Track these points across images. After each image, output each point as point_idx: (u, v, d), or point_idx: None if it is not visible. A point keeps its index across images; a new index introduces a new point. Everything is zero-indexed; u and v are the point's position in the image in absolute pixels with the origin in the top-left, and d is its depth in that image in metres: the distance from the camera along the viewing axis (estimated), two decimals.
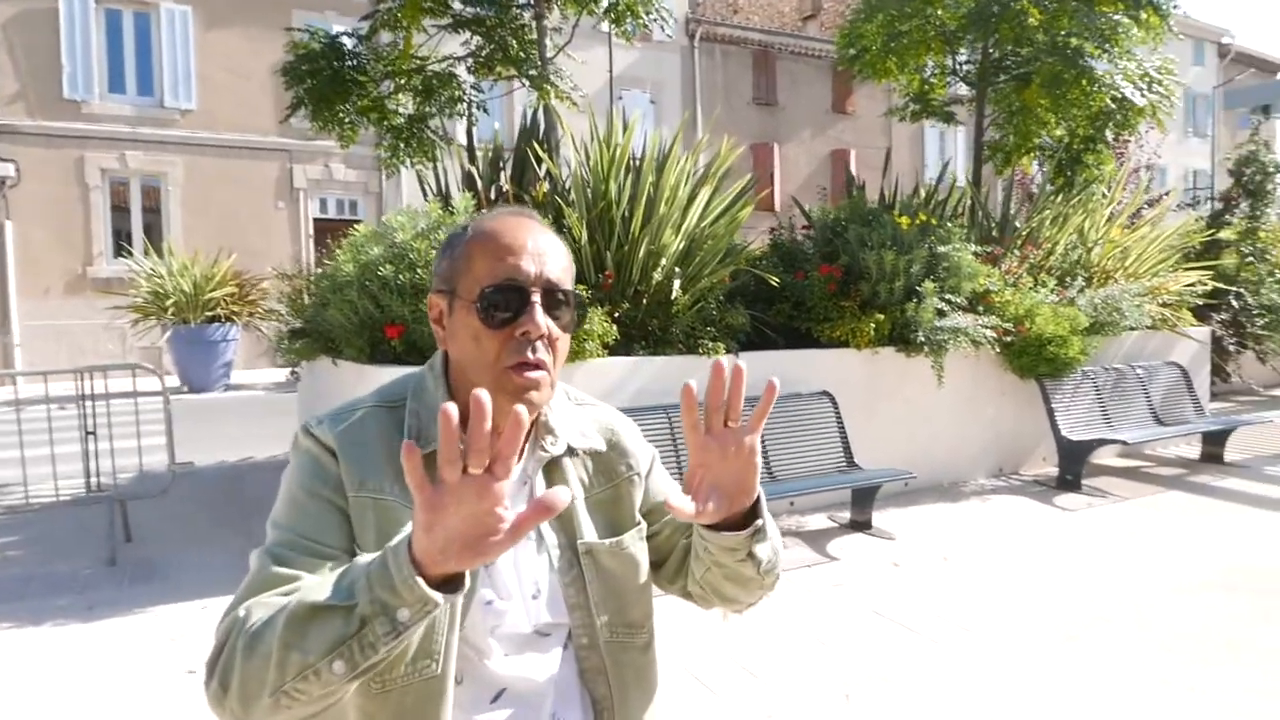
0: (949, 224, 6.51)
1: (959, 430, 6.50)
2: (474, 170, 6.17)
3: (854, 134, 24.36)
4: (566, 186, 6.11)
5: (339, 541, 1.00)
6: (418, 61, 6.91)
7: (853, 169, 25.19)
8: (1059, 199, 7.73)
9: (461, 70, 7.15)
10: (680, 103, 21.26)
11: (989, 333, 6.05)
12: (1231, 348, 10.59)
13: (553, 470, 1.14)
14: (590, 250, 5.64)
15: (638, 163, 5.92)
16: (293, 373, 7.03)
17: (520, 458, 1.12)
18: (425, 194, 6.47)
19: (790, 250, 6.70)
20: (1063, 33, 7.40)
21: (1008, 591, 4.18)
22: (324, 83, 6.53)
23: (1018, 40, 7.68)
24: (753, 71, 22.68)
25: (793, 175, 22.38)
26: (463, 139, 7.00)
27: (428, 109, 7.05)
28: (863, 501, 5.32)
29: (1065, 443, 6.39)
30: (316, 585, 0.88)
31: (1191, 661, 3.40)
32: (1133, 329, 7.15)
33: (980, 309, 6.35)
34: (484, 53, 6.95)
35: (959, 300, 6.19)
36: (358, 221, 16.70)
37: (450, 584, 0.81)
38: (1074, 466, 6.36)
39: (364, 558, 0.87)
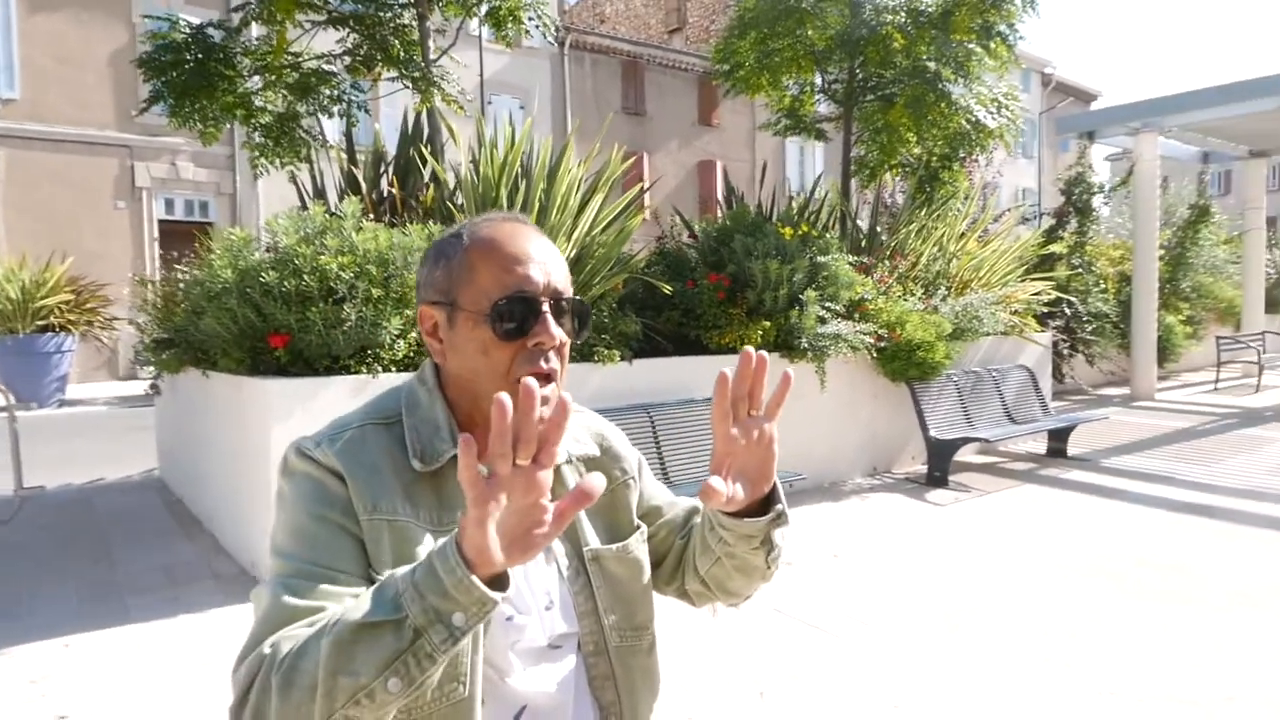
0: (827, 235, 6.82)
1: (838, 432, 6.81)
2: (356, 173, 5.94)
3: (720, 146, 25.07)
4: (454, 192, 5.98)
5: (354, 568, 0.95)
6: (291, 58, 6.59)
7: (718, 180, 25.83)
8: (922, 213, 8.24)
9: (338, 69, 6.87)
10: (550, 110, 21.25)
11: (866, 339, 6.38)
12: (1065, 351, 11.62)
13: (555, 480, 1.12)
14: None
15: (527, 169, 5.87)
16: (152, 386, 6.51)
17: None
18: (302, 196, 6.18)
19: (677, 259, 6.82)
20: (924, 57, 7.91)
21: (895, 585, 4.41)
22: (187, 76, 6.12)
23: (883, 63, 8.15)
24: (621, 81, 22.95)
25: (661, 185, 22.76)
26: (335, 139, 6.73)
27: (302, 107, 6.73)
28: None
29: (933, 442, 6.81)
30: (352, 607, 0.83)
31: (1065, 640, 3.70)
32: (988, 335, 7.72)
33: (856, 316, 6.68)
34: (362, 51, 6.71)
35: (838, 308, 6.49)
36: (208, 224, 15.74)
37: (497, 584, 0.80)
38: (941, 464, 6.79)
39: (400, 570, 0.84)
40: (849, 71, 8.71)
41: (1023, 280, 8.75)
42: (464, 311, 1.01)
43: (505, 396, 0.73)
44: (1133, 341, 11.77)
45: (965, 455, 7.60)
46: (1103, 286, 12.26)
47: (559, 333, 1.02)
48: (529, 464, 0.74)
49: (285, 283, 4.43)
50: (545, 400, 0.98)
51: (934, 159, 8.88)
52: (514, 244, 1.03)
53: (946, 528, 5.55)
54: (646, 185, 6.52)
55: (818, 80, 9.36)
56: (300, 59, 6.60)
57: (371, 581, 0.94)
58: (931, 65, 7.91)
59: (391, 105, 11.39)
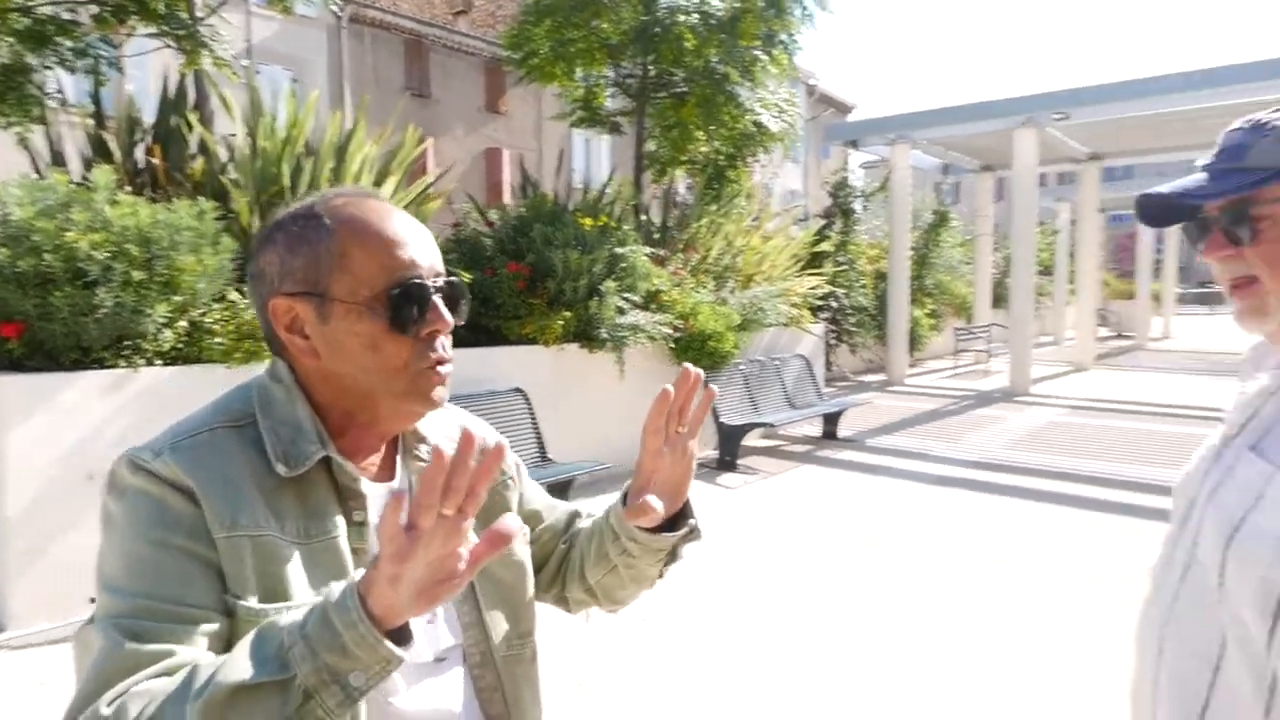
0: (625, 227, 6.92)
1: (637, 419, 6.83)
2: (107, 138, 5.22)
3: (507, 134, 24.74)
4: (226, 166, 5.43)
5: (206, 599, 0.81)
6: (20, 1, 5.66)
7: (505, 168, 25.41)
8: (712, 209, 8.59)
9: (84, 19, 6.01)
10: (327, 85, 19.93)
11: (664, 329, 6.55)
12: (832, 341, 12.63)
13: None
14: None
15: (313, 146, 5.46)
16: None
17: (394, 469, 1.01)
18: (35, 163, 5.34)
19: (474, 247, 6.64)
20: (713, 59, 8.23)
21: (703, 567, 4.57)
22: None
23: (675, 61, 8.38)
24: (405, 61, 21.99)
25: (447, 168, 22.12)
26: (76, 100, 5.88)
27: (34, 59, 5.81)
28: (558, 494, 5.44)
29: (724, 428, 7.13)
30: (225, 662, 0.71)
31: (863, 605, 4.01)
32: (771, 325, 8.20)
33: (653, 307, 6.84)
34: (111, 1, 5.91)
35: (636, 299, 6.61)
36: None
37: (399, 636, 0.73)
38: (731, 449, 7.13)
39: (283, 619, 0.73)
40: (643, 67, 8.88)
41: (800, 275, 9.38)
42: (341, 303, 0.89)
43: (443, 450, 0.68)
44: (888, 332, 13.00)
45: (750, 439, 8.03)
46: (863, 283, 13.44)
47: (450, 316, 0.93)
48: (453, 514, 0.68)
49: (19, 262, 3.81)
50: (444, 382, 0.94)
51: (721, 158, 9.28)
52: (389, 225, 0.92)
53: (739, 509, 5.83)
54: (442, 170, 6.25)
55: (611, 74, 9.46)
56: (32, 3, 5.69)
57: (227, 611, 0.81)
58: (721, 67, 8.24)
59: (139, 66, 10.15)
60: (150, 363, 4.15)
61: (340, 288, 0.89)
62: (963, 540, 5.08)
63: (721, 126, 8.45)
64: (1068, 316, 21.74)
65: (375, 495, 0.95)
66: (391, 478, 1.00)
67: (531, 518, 1.18)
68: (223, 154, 5.58)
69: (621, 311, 6.38)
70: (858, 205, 13.95)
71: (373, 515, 0.93)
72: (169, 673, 0.74)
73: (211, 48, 5.67)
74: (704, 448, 7.69)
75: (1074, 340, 16.41)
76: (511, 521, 0.72)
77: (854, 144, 13.37)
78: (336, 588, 0.72)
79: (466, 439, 0.67)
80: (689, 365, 0.98)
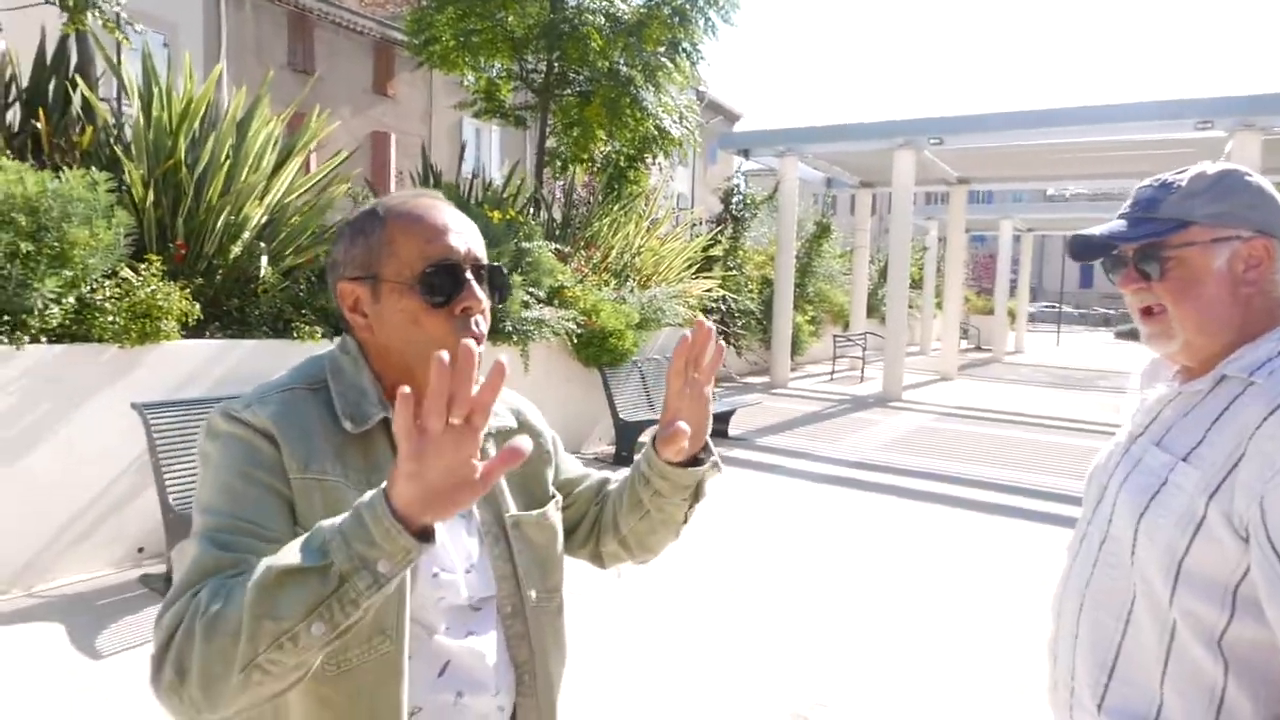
0: (531, 222, 6.96)
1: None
2: None
3: (395, 118, 24.08)
4: (117, 134, 5.15)
5: (280, 526, 0.95)
6: None
7: (392, 153, 24.71)
8: (614, 208, 8.73)
9: None
10: (203, 52, 18.85)
11: (569, 325, 6.63)
12: (720, 343, 13.00)
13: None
14: (155, 215, 4.86)
15: (213, 119, 5.24)
16: None
17: None
18: None
19: None
20: (619, 62, 8.37)
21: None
22: None
23: (581, 60, 8.47)
24: (288, 34, 21.06)
25: (331, 151, 21.34)
26: None
27: None
28: None
29: (621, 424, 7.28)
30: (279, 555, 0.83)
31: (764, 590, 4.23)
32: (669, 325, 8.41)
33: (556, 303, 6.91)
34: None
35: (540, 294, 6.67)
36: None
37: (424, 537, 0.82)
38: (628, 444, 7.29)
39: (328, 521, 0.84)
40: (548, 63, 8.91)
41: (695, 278, 9.65)
42: (388, 284, 1.03)
43: (444, 354, 0.75)
44: (773, 337, 13.51)
45: (646, 436, 8.22)
46: (750, 288, 13.92)
47: (484, 296, 1.06)
48: (461, 423, 0.76)
49: None
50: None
51: (622, 159, 9.43)
52: (432, 216, 1.06)
53: None
54: (347, 153, 6.11)
55: (516, 67, 9.44)
56: None
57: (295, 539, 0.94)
58: (626, 70, 8.39)
59: (19, 24, 9.33)
60: (35, 339, 3.91)
61: (388, 270, 1.03)
62: (847, 533, 5.42)
63: (624, 128, 8.60)
64: (934, 329, 23.16)
65: None
66: None
67: (566, 485, 1.31)
68: (111, 121, 5.28)
69: (527, 306, 6.43)
70: (749, 213, 14.43)
71: None
72: (243, 573, 0.86)
73: (100, 6, 5.34)
74: (600, 443, 7.83)
75: (939, 351, 17.51)
76: (524, 442, 0.78)
77: (745, 153, 13.82)
78: (370, 492, 0.82)
79: (464, 351, 0.74)
80: (702, 317, 1.14)
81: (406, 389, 0.75)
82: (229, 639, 0.79)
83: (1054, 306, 44.56)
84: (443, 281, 1.02)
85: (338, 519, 0.83)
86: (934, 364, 17.41)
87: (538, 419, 1.30)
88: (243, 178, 5.18)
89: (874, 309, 19.56)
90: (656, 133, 8.79)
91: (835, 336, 15.63)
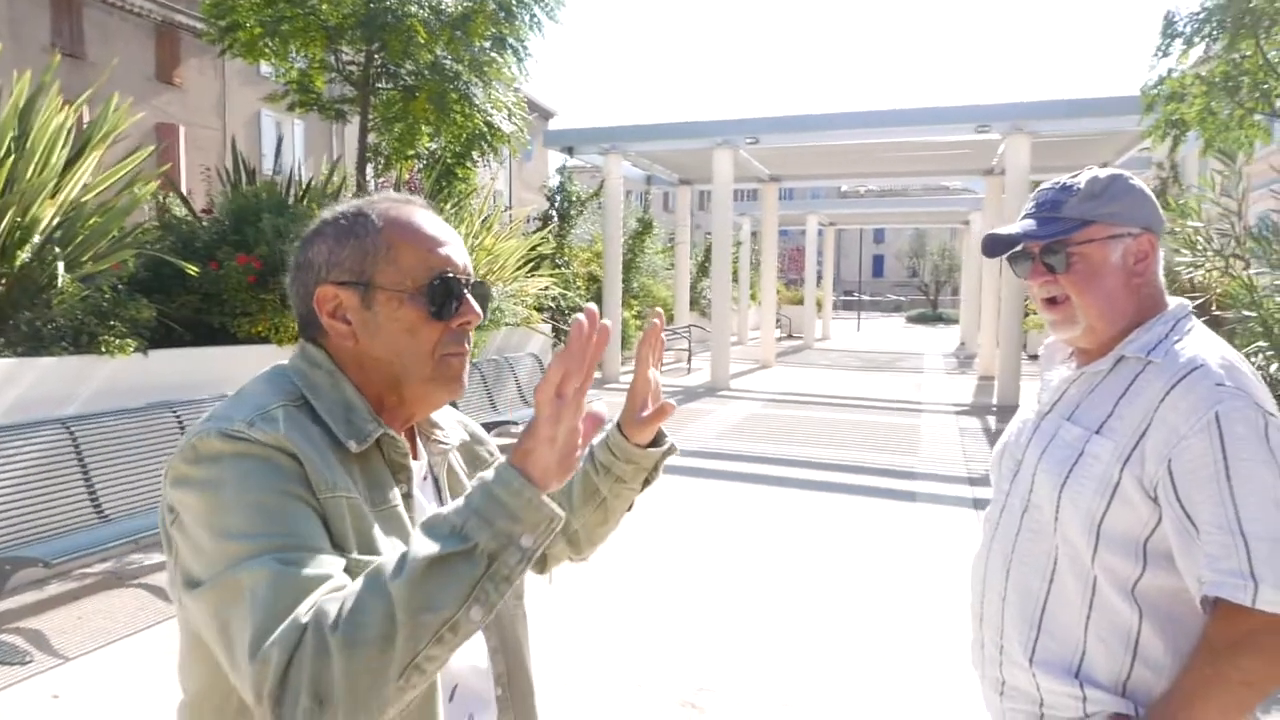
0: None
1: None
2: None
3: (183, 109, 22.12)
4: None
5: (327, 544, 0.86)
6: None
7: (182, 147, 22.76)
8: (446, 206, 8.47)
9: None
10: None
11: None
12: (554, 341, 12.99)
13: (447, 464, 1.13)
14: None
15: None
16: None
17: (416, 455, 1.07)
18: None
19: (188, 236, 5.98)
20: (443, 55, 8.12)
21: None
22: None
23: (404, 53, 8.13)
24: (51, 12, 18.81)
25: (116, 145, 19.29)
26: None
27: None
28: None
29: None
30: (406, 551, 0.78)
31: (624, 572, 4.28)
32: (507, 324, 8.29)
33: None
34: None
35: None
36: None
37: None
38: None
39: (443, 510, 0.81)
40: (367, 54, 8.49)
41: (528, 276, 9.57)
42: (385, 292, 0.98)
43: (592, 308, 0.78)
44: None
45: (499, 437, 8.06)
46: (578, 285, 13.99)
47: (481, 311, 1.04)
48: (580, 388, 0.79)
49: None
50: (464, 380, 1.05)
51: (450, 155, 9.18)
52: (431, 226, 1.03)
53: None
54: (139, 146, 5.56)
55: (331, 58, 8.93)
56: None
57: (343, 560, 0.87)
58: (451, 64, 8.16)
59: None
60: None
61: (385, 278, 0.98)
62: (699, 521, 5.59)
63: (452, 124, 8.36)
64: (750, 319, 24.27)
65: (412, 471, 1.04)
66: (417, 459, 1.07)
67: None
68: None
69: None
70: (572, 210, 14.49)
71: (415, 489, 1.02)
72: (338, 589, 0.79)
73: None
74: None
75: (758, 341, 18.39)
76: (600, 406, 0.82)
77: (570, 150, 13.86)
78: (489, 471, 0.80)
79: (590, 315, 0.77)
80: (659, 310, 1.22)
81: (568, 354, 0.77)
82: (375, 648, 0.74)
83: (852, 295, 48.02)
84: (444, 294, 0.99)
85: (457, 502, 0.80)
86: (753, 353, 18.27)
87: (480, 429, 1.28)
88: (28, 175, 4.59)
89: (694, 302, 20.22)
90: (486, 129, 8.61)
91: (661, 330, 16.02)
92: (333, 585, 0.80)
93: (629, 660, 3.52)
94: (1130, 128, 10.73)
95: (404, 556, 0.77)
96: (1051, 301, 1.37)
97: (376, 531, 0.91)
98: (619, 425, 1.22)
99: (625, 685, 3.30)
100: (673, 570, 4.62)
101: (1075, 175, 1.38)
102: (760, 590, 4.35)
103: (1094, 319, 1.33)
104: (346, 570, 0.84)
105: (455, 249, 1.03)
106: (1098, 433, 1.28)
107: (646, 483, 1.26)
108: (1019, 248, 1.39)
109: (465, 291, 1.01)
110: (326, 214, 1.04)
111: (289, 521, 0.84)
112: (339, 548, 0.87)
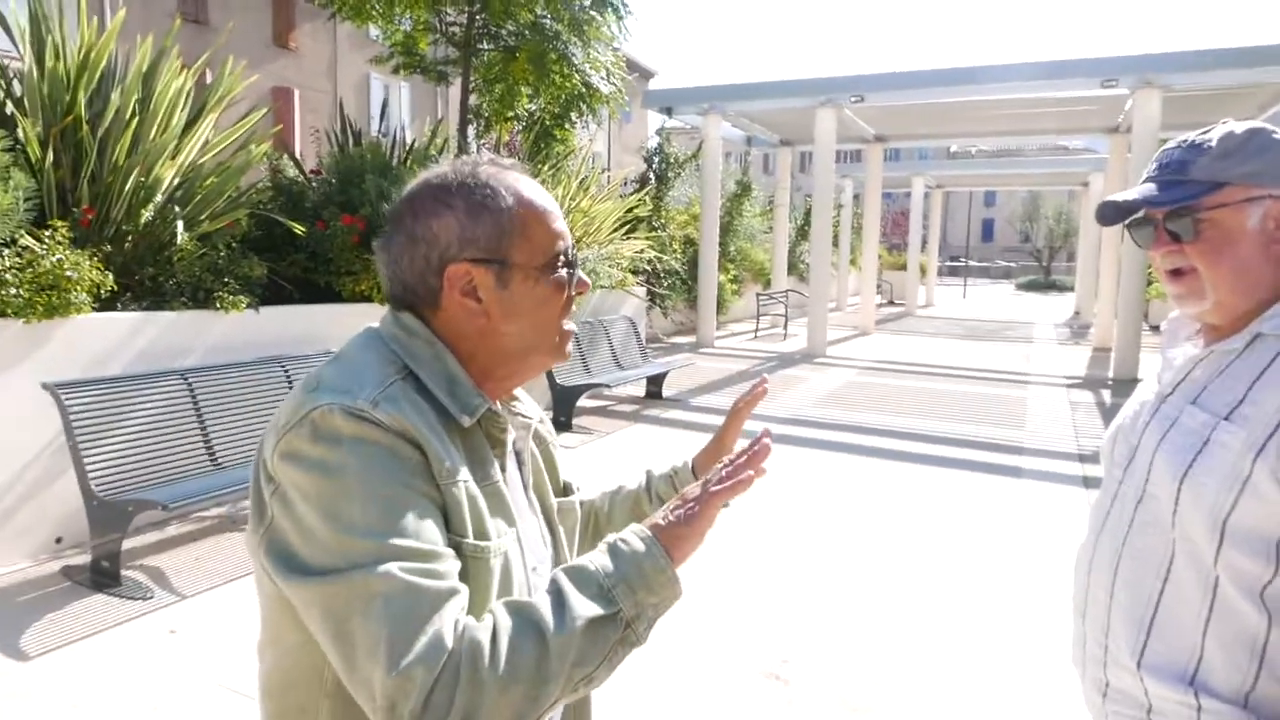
0: None
1: None
2: None
3: (297, 72, 22.92)
4: (8, 88, 4.71)
5: (444, 539, 0.87)
6: None
7: (296, 110, 23.60)
8: (544, 168, 8.52)
9: None
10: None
11: None
12: (648, 304, 12.98)
13: (530, 431, 1.12)
14: (55, 176, 4.48)
15: (116, 72, 4.84)
16: None
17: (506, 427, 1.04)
18: None
19: (297, 197, 6.19)
20: (542, 15, 8.10)
21: None
22: None
23: (505, 13, 8.17)
24: None
25: (233, 108, 20.18)
26: None
27: None
28: None
29: (559, 389, 7.19)
30: (568, 601, 0.83)
31: (732, 555, 4.25)
32: (602, 287, 8.31)
33: None
34: None
35: None
36: None
37: None
38: (566, 409, 7.21)
39: (591, 563, 0.87)
40: (469, 16, 8.57)
41: (623, 239, 9.55)
42: (521, 269, 0.98)
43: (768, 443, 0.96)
44: (699, 296, 13.55)
45: (581, 400, 8.15)
46: (674, 248, 13.90)
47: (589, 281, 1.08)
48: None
49: None
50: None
51: (549, 117, 9.20)
52: (544, 197, 1.02)
53: (583, 468, 5.95)
54: (263, 109, 5.76)
55: (434, 20, 9.05)
56: None
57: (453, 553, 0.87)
58: (551, 24, 8.14)
59: None
60: None
61: (521, 255, 0.98)
62: (797, 492, 5.50)
63: (551, 85, 8.37)
64: (850, 284, 23.67)
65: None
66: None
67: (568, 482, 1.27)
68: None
69: None
70: (670, 173, 14.34)
71: (509, 462, 1.03)
72: (473, 608, 0.83)
73: None
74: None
75: (857, 306, 17.92)
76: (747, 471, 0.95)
77: (669, 111, 13.68)
78: (635, 538, 0.88)
79: (764, 449, 0.94)
80: (766, 375, 1.27)
81: (750, 472, 0.94)
82: (528, 690, 0.78)
83: (959, 260, 46.17)
84: (570, 268, 1.02)
85: (603, 560, 0.86)
86: (852, 319, 17.83)
87: (533, 406, 1.22)
88: (151, 136, 4.82)
89: (793, 266, 19.83)
90: (584, 89, 8.59)
91: (758, 295, 15.80)
92: (461, 603, 0.81)
93: (714, 631, 3.50)
94: (1277, 79, 9.83)
95: (562, 605, 0.82)
96: (1176, 273, 1.23)
97: (484, 511, 0.92)
98: (693, 466, 1.29)
99: (709, 657, 3.28)
100: (762, 540, 4.57)
101: (1207, 131, 1.23)
102: (851, 563, 4.25)
103: (1225, 293, 1.19)
104: (461, 556, 0.86)
105: (564, 221, 1.04)
106: (1227, 419, 1.15)
107: None
108: (1139, 214, 1.26)
109: (576, 264, 1.03)
110: (433, 179, 0.99)
111: (414, 522, 0.82)
112: (457, 533, 0.88)
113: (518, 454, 1.07)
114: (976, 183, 30.87)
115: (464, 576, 0.85)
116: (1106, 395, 9.65)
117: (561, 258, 1.00)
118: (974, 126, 16.46)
